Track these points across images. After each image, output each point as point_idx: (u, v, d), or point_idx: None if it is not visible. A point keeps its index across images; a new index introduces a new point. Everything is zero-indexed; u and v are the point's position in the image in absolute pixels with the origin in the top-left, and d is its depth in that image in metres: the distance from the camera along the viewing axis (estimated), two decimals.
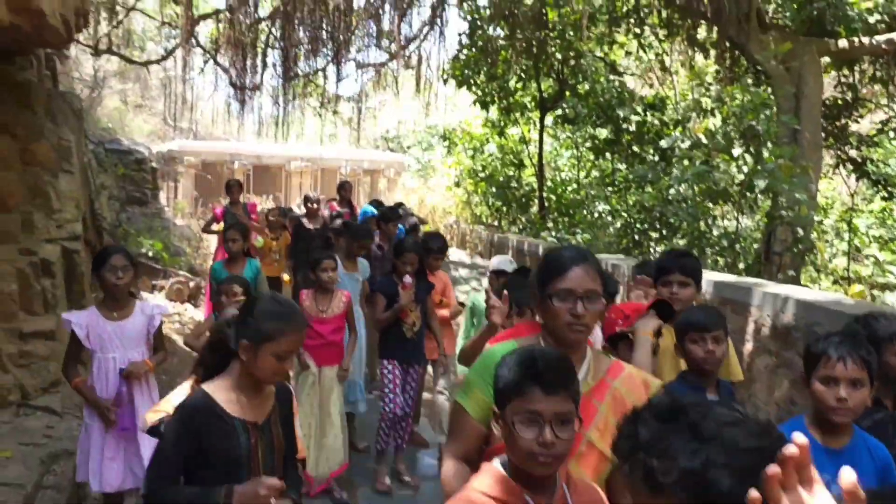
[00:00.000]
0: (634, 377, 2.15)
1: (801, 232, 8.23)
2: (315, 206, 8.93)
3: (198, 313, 10.20)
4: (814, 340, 2.38)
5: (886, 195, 10.92)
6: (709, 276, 6.22)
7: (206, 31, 14.53)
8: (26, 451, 3.66)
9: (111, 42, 13.01)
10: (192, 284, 10.83)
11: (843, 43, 9.94)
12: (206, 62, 14.39)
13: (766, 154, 7.87)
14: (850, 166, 11.28)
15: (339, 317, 4.83)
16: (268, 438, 2.27)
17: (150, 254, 11.53)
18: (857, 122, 11.63)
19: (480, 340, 3.03)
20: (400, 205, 10.89)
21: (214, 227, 9.29)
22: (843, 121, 11.15)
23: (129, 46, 15.68)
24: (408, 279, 4.80)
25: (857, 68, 10.92)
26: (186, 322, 9.53)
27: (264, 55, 13.64)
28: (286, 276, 8.61)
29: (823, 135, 10.49)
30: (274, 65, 14.36)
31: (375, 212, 8.65)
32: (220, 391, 2.21)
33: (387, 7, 11.74)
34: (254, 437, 2.22)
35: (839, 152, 11.40)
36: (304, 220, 8.70)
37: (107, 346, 3.58)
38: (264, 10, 12.76)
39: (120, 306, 3.64)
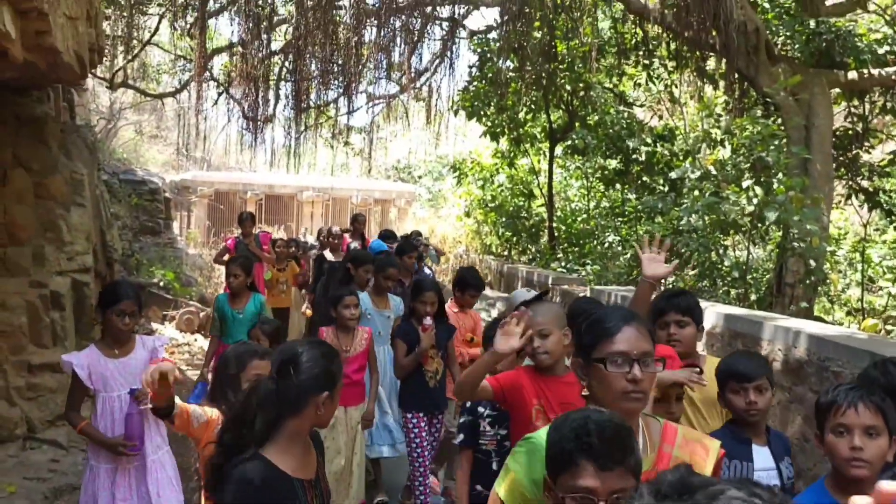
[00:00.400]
0: (691, 441, 1.97)
1: (813, 263, 8.17)
2: (337, 240, 8.79)
3: (207, 344, 10.20)
4: (823, 392, 2.26)
5: None
6: (720, 310, 6.17)
7: (219, 64, 14.77)
8: (31, 485, 3.65)
9: (127, 75, 13.23)
10: (202, 315, 10.86)
11: (852, 74, 9.96)
12: (219, 94, 14.59)
13: (776, 185, 7.85)
14: (862, 197, 11.22)
15: (362, 355, 4.70)
16: (319, 493, 2.24)
17: (162, 283, 11.59)
18: (869, 152, 11.60)
19: (480, 370, 2.77)
20: (417, 234, 10.93)
21: (226, 258, 9.16)
22: (854, 151, 11.12)
23: (144, 79, 15.94)
24: (428, 321, 4.53)
25: (867, 99, 10.91)
26: (196, 353, 9.54)
27: (277, 87, 13.81)
28: (307, 311, 8.34)
29: (834, 165, 10.46)
30: (286, 97, 14.55)
31: (385, 246, 8.41)
32: (276, 454, 2.13)
33: (398, 40, 11.87)
34: (309, 495, 2.18)
35: (851, 183, 11.35)
36: (327, 254, 8.57)
37: (110, 385, 3.51)
38: (277, 43, 12.95)
39: (121, 344, 3.58)
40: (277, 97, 14.10)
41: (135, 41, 12.14)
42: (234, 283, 5.43)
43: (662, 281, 3.61)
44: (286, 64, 13.28)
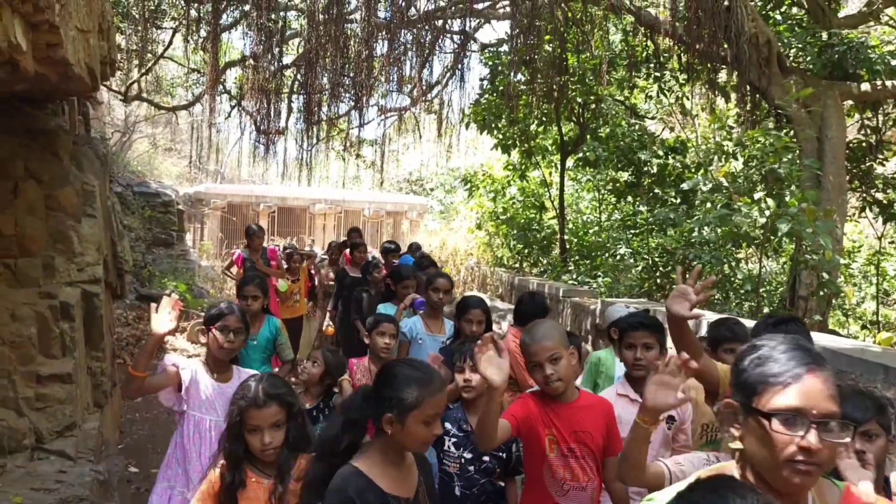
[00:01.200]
0: None
1: (826, 276, 8.09)
2: (362, 253, 8.16)
3: None
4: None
5: None
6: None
7: (232, 77, 14.89)
8: (38, 497, 3.65)
9: (141, 88, 13.36)
10: None
11: (865, 86, 9.91)
12: (232, 107, 14.71)
13: (788, 198, 7.80)
14: (876, 209, 11.14)
15: None
16: None
17: (174, 296, 11.62)
18: (883, 164, 11.52)
19: (491, 414, 2.47)
20: (417, 246, 10.63)
21: (233, 270, 8.99)
22: (867, 163, 11.05)
23: (158, 92, 16.10)
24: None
25: (880, 111, 10.85)
26: None
27: (289, 100, 13.90)
28: (330, 328, 8.23)
29: (848, 178, 10.39)
30: (298, 109, 14.64)
31: (412, 259, 7.97)
32: (371, 467, 2.17)
33: (409, 54, 11.93)
34: None
35: (865, 195, 11.26)
36: (348, 269, 8.11)
37: (205, 406, 3.29)
38: (289, 57, 13.05)
39: (221, 367, 3.40)
40: (289, 110, 14.20)
41: (149, 55, 12.27)
42: (253, 306, 4.78)
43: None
44: (298, 77, 13.38)
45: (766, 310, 9.43)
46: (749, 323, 6.60)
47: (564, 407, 2.74)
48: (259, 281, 4.99)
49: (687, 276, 2.39)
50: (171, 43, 12.80)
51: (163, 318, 3.12)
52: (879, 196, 11.17)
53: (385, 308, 5.35)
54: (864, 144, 11.03)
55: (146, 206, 14.10)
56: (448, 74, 13.63)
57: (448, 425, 3.18)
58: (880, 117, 10.90)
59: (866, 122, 10.95)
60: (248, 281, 4.95)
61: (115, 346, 7.60)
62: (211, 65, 11.20)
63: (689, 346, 2.29)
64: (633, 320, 3.41)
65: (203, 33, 11.97)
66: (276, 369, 5.03)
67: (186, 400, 3.28)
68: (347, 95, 12.65)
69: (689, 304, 2.29)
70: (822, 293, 8.24)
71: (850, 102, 10.53)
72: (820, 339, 5.03)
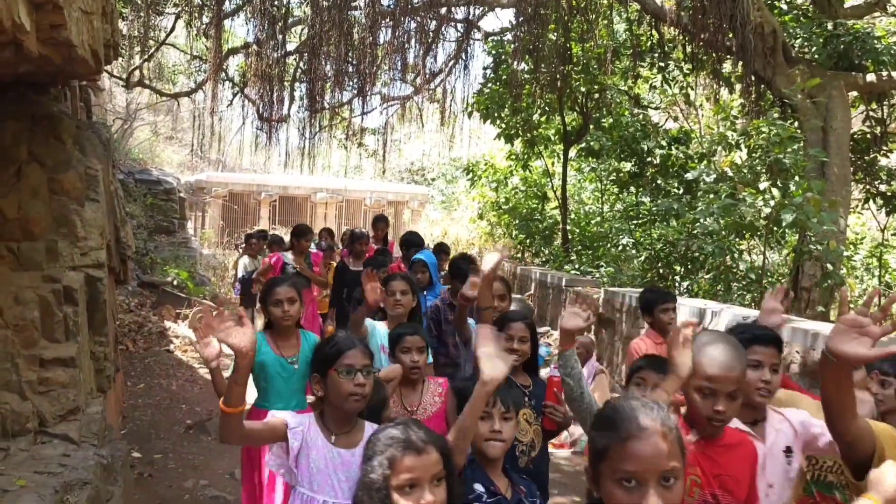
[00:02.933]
0: None
1: (830, 267, 8.07)
2: (364, 245, 7.21)
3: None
4: None
5: None
6: (736, 311, 6.11)
7: (234, 64, 14.83)
8: (41, 480, 3.64)
9: (143, 75, 13.31)
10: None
11: (870, 77, 9.86)
12: (234, 95, 14.65)
13: (793, 188, 7.77)
14: (879, 201, 11.10)
15: (437, 417, 3.25)
16: None
17: (175, 282, 11.63)
18: (887, 156, 11.47)
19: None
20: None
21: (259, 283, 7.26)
22: (871, 155, 11.00)
23: (160, 79, 16.04)
24: None
25: (885, 102, 10.80)
26: None
27: (291, 88, 13.85)
28: (330, 327, 7.20)
29: (852, 169, 10.35)
30: (301, 98, 14.59)
31: (434, 258, 6.49)
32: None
33: (412, 42, 11.87)
34: None
35: (868, 187, 11.22)
36: (348, 262, 7.13)
37: (320, 481, 2.41)
38: (292, 44, 12.99)
39: (344, 425, 2.48)
40: (292, 98, 14.15)
41: (151, 41, 12.21)
42: (290, 313, 3.68)
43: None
44: (301, 64, 13.32)
45: None
46: (748, 312, 6.59)
47: (711, 444, 2.27)
48: (292, 281, 3.98)
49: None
50: (173, 29, 12.74)
51: (238, 330, 2.34)
52: (883, 188, 11.13)
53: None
54: (868, 136, 10.99)
55: (148, 194, 14.10)
56: (451, 63, 13.57)
57: (478, 486, 2.40)
58: (885, 108, 10.85)
59: (871, 113, 10.90)
60: (279, 282, 3.87)
61: (118, 332, 7.60)
62: (213, 51, 11.15)
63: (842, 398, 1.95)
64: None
65: (205, 19, 11.91)
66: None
67: (295, 474, 2.43)
68: (350, 83, 12.60)
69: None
70: (825, 284, 8.21)
71: (855, 93, 10.48)
72: (825, 328, 5.01)
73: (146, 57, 12.31)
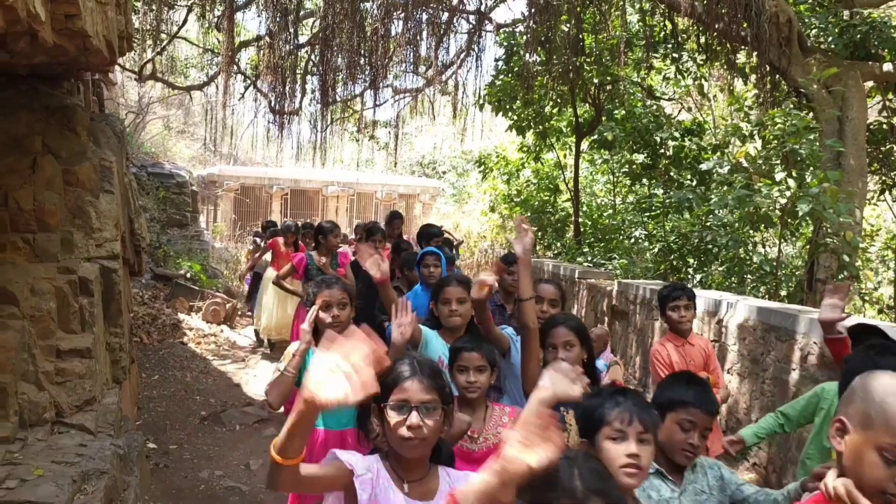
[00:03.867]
0: None
1: (846, 258, 8.00)
2: (380, 242, 6.77)
3: (234, 335, 10.28)
4: None
5: None
6: (752, 303, 6.07)
7: (246, 57, 14.84)
8: (58, 469, 3.66)
9: (155, 69, 13.33)
10: (228, 306, 10.93)
11: (887, 67, 9.75)
12: (246, 88, 14.66)
13: (809, 178, 7.69)
14: (895, 192, 10.99)
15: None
16: None
17: (189, 275, 11.68)
18: None
19: None
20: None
21: (288, 284, 7.38)
22: (888, 146, 10.89)
23: (172, 73, 16.06)
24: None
25: None
26: (222, 343, 9.59)
27: (303, 81, 13.84)
28: None
29: (868, 160, 10.25)
30: (312, 90, 14.58)
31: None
32: None
33: (424, 34, 11.82)
34: None
35: (884, 178, 11.11)
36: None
37: None
38: (304, 36, 12.97)
39: (416, 471, 2.05)
40: (304, 91, 14.14)
41: (163, 34, 12.22)
42: (341, 319, 3.26)
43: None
44: (313, 57, 13.30)
45: (783, 293, 9.34)
46: (760, 303, 6.52)
47: None
48: (343, 284, 3.43)
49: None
50: (185, 22, 12.75)
51: (331, 380, 1.60)
52: None
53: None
54: (884, 126, 10.87)
55: (160, 187, 14.15)
56: (463, 55, 13.51)
57: None
58: None
59: (888, 103, 10.78)
60: (329, 283, 3.37)
61: (133, 324, 7.64)
62: (226, 44, 11.14)
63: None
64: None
65: (217, 12, 11.91)
66: None
67: None
68: (362, 76, 12.57)
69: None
70: (841, 276, 8.14)
71: (872, 83, 10.36)
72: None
73: (158, 50, 12.33)
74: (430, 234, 6.72)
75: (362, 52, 11.24)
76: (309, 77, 14.00)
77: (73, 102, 5.00)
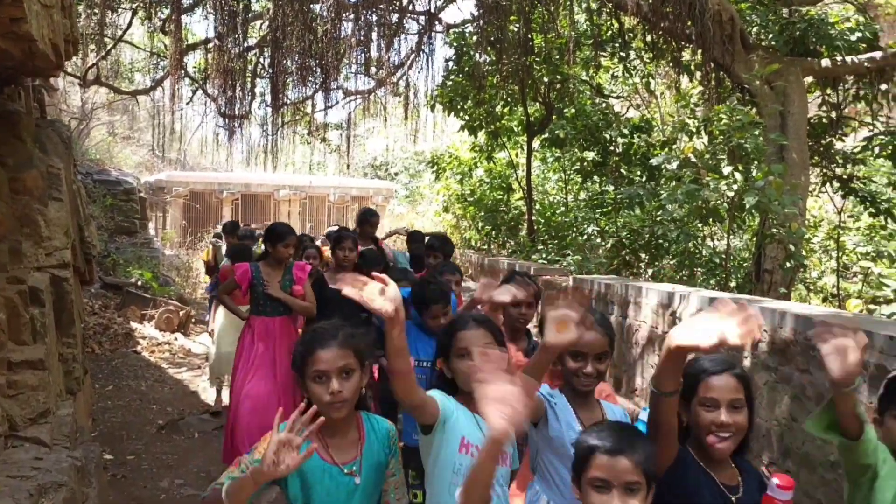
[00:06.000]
0: None
1: (792, 248, 8.25)
2: (349, 252, 5.58)
3: (188, 342, 10.11)
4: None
5: (874, 212, 10.99)
6: (704, 294, 6.22)
7: (194, 60, 14.58)
8: (14, 484, 3.56)
9: (99, 73, 13.02)
10: (181, 313, 10.74)
11: (826, 62, 10.08)
12: (194, 92, 14.41)
13: (754, 172, 7.91)
14: (836, 184, 11.36)
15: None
16: None
17: (140, 283, 11.45)
18: (843, 140, 11.74)
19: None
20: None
21: (231, 302, 5.77)
22: (828, 139, 11.25)
23: (117, 78, 15.72)
24: None
25: (840, 88, 11.04)
26: (176, 351, 9.43)
27: (252, 84, 13.67)
28: None
29: (809, 153, 10.57)
30: (262, 94, 14.42)
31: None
32: None
33: (374, 35, 11.80)
34: None
35: (825, 170, 11.48)
36: (327, 275, 5.60)
37: None
38: (253, 38, 12.82)
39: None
40: (253, 94, 13.97)
41: (107, 38, 11.95)
42: (344, 396, 2.17)
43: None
44: (262, 60, 13.16)
45: (732, 284, 9.59)
46: (713, 294, 6.68)
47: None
48: (345, 335, 2.27)
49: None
50: (129, 25, 12.48)
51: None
52: (839, 171, 11.39)
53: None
54: (824, 120, 11.23)
55: (107, 195, 13.85)
56: (413, 56, 13.52)
57: None
58: (840, 93, 11.09)
59: (827, 98, 11.14)
60: (321, 339, 2.21)
61: (84, 334, 7.46)
62: (173, 47, 10.95)
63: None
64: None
65: (163, 15, 11.69)
66: None
67: None
68: (313, 78, 12.48)
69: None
70: (787, 265, 8.39)
71: (811, 79, 10.70)
72: (792, 306, 5.13)
73: (102, 54, 12.04)
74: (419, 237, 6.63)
75: (312, 53, 11.16)
76: (258, 80, 13.84)
77: (17, 108, 4.87)
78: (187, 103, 14.37)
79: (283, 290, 5.10)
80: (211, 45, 11.99)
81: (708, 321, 1.82)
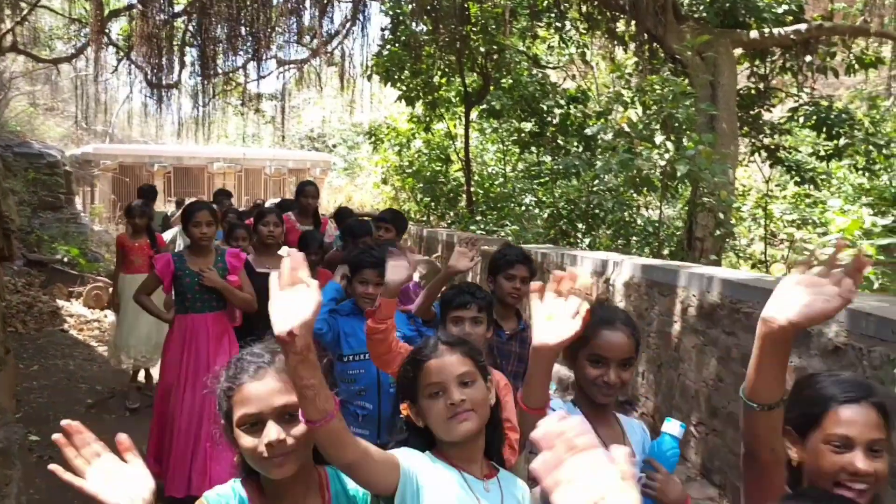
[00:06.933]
0: None
1: (721, 216, 8.47)
2: (273, 227, 4.78)
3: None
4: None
5: (799, 181, 11.37)
6: (636, 261, 6.34)
7: (117, 29, 14.01)
8: None
9: (16, 40, 12.40)
10: (110, 290, 10.41)
11: (754, 34, 10.30)
12: (119, 60, 13.87)
13: (685, 142, 8.07)
14: (764, 154, 11.69)
15: None
16: None
17: (66, 260, 11.05)
18: (770, 111, 12.07)
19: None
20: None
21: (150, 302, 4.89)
22: (756, 110, 11.55)
23: (35, 46, 15.00)
24: None
25: (768, 59, 11.32)
26: (105, 329, 9.15)
27: (181, 52, 13.24)
28: None
29: (738, 124, 10.84)
30: (192, 63, 13.97)
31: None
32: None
33: (307, 2, 11.53)
34: None
35: (754, 140, 11.80)
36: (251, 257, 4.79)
37: None
38: (179, 5, 12.37)
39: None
40: (182, 63, 13.53)
41: (22, 3, 11.37)
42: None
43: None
44: (190, 27, 12.72)
45: (665, 252, 9.82)
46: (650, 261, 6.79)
47: None
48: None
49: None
50: None
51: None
52: (767, 141, 11.72)
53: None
54: (752, 91, 11.51)
55: (29, 168, 13.24)
56: (348, 25, 13.29)
57: None
58: (767, 65, 11.38)
59: (755, 69, 11.42)
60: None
61: (6, 313, 7.16)
62: (94, 13, 10.48)
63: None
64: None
65: None
66: None
67: None
68: (244, 47, 12.15)
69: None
70: (717, 232, 8.62)
71: (741, 50, 10.93)
72: (719, 272, 5.27)
73: (19, 19, 11.46)
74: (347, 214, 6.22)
75: (242, 21, 10.84)
76: (187, 48, 13.40)
77: None
78: (112, 73, 13.83)
79: None
80: (135, 10, 11.52)
81: (801, 286, 1.39)
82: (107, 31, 12.01)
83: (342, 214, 6.65)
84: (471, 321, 2.86)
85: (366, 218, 7.15)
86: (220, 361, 4.01)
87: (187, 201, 8.14)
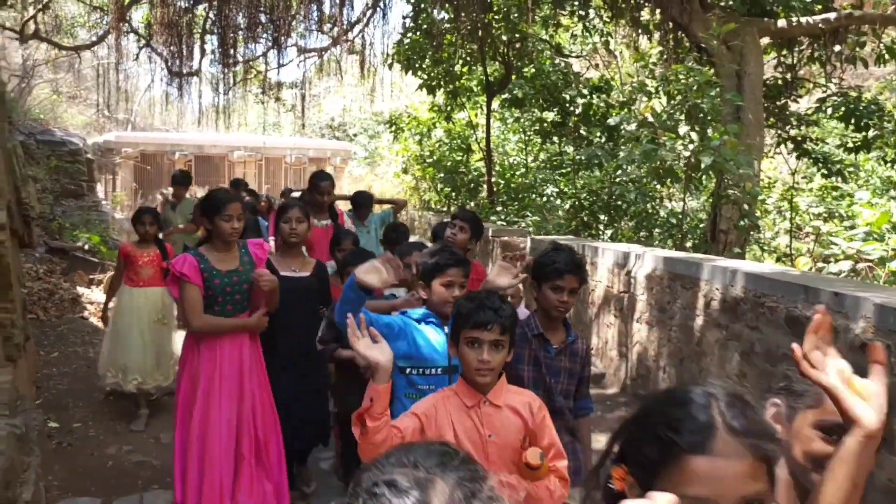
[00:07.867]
0: None
1: (746, 208, 8.32)
2: (297, 224, 4.23)
3: None
4: None
5: (826, 173, 11.15)
6: (658, 253, 6.23)
7: (138, 17, 14.02)
8: None
9: (38, 28, 12.45)
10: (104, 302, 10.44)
11: (782, 23, 10.08)
12: (140, 48, 13.90)
13: (710, 132, 7.92)
14: (790, 145, 11.48)
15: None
16: None
17: (87, 247, 11.12)
18: (797, 101, 11.84)
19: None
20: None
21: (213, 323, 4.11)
22: (782, 100, 11.33)
23: (58, 34, 15.09)
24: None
25: (795, 49, 11.09)
26: None
27: (202, 40, 13.23)
28: None
29: (765, 114, 10.64)
30: (212, 51, 13.96)
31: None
32: None
33: None
34: None
35: (780, 132, 11.58)
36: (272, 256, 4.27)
37: None
38: None
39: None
40: (203, 51, 13.52)
41: None
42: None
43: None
44: (210, 14, 12.70)
45: (688, 244, 9.67)
46: (666, 253, 6.68)
47: None
48: None
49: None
50: None
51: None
52: (793, 132, 11.50)
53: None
54: (779, 81, 11.29)
55: (52, 156, 13.34)
56: (369, 13, 13.20)
57: None
58: (795, 55, 11.14)
59: (782, 59, 11.19)
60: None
61: (27, 300, 7.20)
62: (115, 0, 10.48)
63: None
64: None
65: None
66: None
67: None
68: (265, 35, 12.11)
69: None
70: (741, 223, 8.47)
71: (768, 39, 10.71)
72: (742, 265, 5.16)
73: (40, 7, 11.50)
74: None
75: (262, 9, 10.80)
76: (208, 36, 13.39)
77: None
78: (134, 60, 13.87)
79: (246, 279, 3.87)
80: None
81: None
82: (128, 18, 12.02)
83: (361, 199, 6.58)
84: (490, 345, 2.28)
85: (385, 206, 7.06)
86: (256, 370, 3.92)
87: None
